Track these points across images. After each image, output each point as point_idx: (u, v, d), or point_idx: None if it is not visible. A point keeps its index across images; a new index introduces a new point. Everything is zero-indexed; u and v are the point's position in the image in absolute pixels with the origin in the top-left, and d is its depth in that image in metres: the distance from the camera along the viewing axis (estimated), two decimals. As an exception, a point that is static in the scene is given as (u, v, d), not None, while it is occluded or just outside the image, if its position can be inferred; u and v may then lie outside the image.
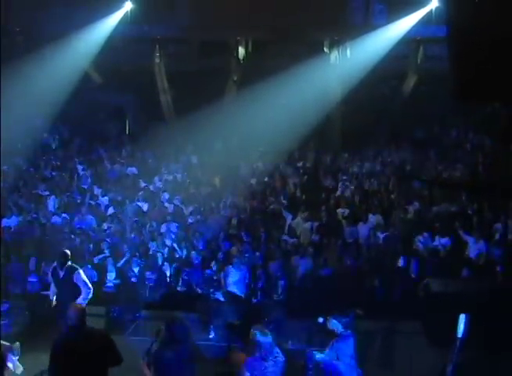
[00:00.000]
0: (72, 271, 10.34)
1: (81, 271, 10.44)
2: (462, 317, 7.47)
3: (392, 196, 16.52)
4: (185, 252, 13.73)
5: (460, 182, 16.71)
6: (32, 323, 11.40)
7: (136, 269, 12.95)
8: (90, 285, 10.37)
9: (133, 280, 12.80)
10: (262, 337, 6.93)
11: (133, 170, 18.85)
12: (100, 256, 13.46)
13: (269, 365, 6.92)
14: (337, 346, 7.33)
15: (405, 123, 21.19)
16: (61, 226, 14.90)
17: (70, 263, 10.41)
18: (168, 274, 13.00)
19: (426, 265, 12.40)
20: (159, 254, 13.33)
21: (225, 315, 11.11)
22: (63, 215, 15.49)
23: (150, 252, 13.57)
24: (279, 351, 7.14)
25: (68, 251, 10.58)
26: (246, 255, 13.18)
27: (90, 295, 10.25)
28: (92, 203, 16.26)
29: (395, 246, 13.54)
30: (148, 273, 12.79)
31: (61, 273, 10.43)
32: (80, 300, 9.96)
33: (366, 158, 19.67)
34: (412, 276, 12.37)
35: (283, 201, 16.49)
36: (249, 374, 6.87)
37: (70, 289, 10.23)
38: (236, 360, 7.21)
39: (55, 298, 10.56)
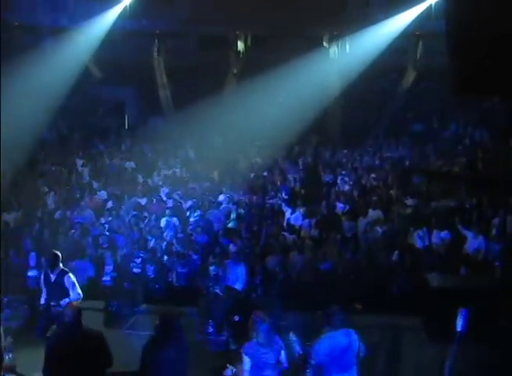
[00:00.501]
0: (63, 274, 9.95)
1: (70, 274, 10.04)
2: (461, 312, 7.48)
3: (391, 191, 16.52)
4: (183, 247, 13.73)
5: (464, 176, 16.69)
6: (31, 317, 11.39)
7: (138, 260, 12.95)
8: (79, 290, 9.91)
9: (135, 270, 12.80)
10: (261, 323, 6.99)
11: (131, 164, 18.85)
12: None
13: (266, 351, 6.97)
14: (321, 342, 7.33)
15: (404, 118, 21.23)
16: (60, 221, 14.90)
17: (61, 266, 10.04)
18: (167, 267, 13.03)
19: (424, 260, 12.42)
20: (158, 248, 13.37)
21: (224, 310, 11.11)
22: (62, 209, 15.48)
23: (149, 245, 13.61)
24: (277, 338, 7.17)
25: (59, 253, 10.18)
26: (246, 250, 13.21)
27: (79, 299, 9.75)
28: (91, 197, 16.25)
29: (394, 241, 13.55)
30: (148, 266, 12.83)
31: (52, 277, 10.02)
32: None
33: (365, 153, 19.68)
34: (410, 271, 12.40)
35: (283, 196, 16.49)
36: (248, 359, 6.94)
37: (61, 292, 9.84)
38: None
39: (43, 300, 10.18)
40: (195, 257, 13.03)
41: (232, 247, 13.02)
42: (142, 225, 14.54)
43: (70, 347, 6.66)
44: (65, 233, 13.96)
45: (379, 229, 14.14)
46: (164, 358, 6.96)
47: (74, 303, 7.37)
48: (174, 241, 13.79)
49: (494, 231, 13.21)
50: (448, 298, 10.08)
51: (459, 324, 7.50)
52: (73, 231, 14.11)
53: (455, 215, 14.16)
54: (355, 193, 16.54)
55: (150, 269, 12.85)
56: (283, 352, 7.15)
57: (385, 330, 10.79)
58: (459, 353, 7.51)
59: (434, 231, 13.59)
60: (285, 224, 14.97)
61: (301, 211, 15.43)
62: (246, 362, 6.98)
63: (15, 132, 17.13)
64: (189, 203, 16.17)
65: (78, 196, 16.33)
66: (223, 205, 15.95)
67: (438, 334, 9.69)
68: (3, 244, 13.06)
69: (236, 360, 7.34)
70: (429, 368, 9.31)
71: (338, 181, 17.39)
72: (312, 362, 7.17)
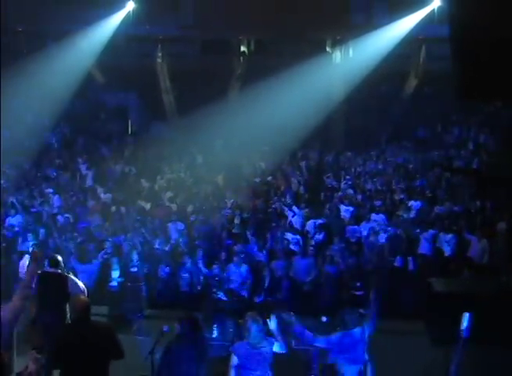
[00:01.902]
0: None
1: None
2: (465, 316, 7.47)
3: (395, 195, 16.52)
4: (188, 251, 13.75)
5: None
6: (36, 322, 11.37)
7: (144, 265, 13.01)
8: None
9: (141, 275, 12.81)
10: (253, 324, 6.99)
11: (134, 169, 18.88)
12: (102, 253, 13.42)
13: (256, 353, 6.97)
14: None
15: (407, 122, 21.21)
16: (64, 225, 14.92)
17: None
18: (171, 272, 13.05)
19: (428, 264, 12.43)
20: (163, 252, 13.43)
21: (228, 314, 11.12)
22: (66, 214, 15.51)
23: (154, 250, 13.66)
24: (271, 341, 7.15)
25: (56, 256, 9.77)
26: (249, 254, 13.24)
27: None
28: (95, 202, 16.27)
29: (398, 245, 13.56)
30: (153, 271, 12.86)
31: None
32: None
33: (369, 157, 19.69)
34: (414, 275, 12.42)
35: (287, 200, 16.48)
36: (236, 358, 6.95)
37: None
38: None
39: None
40: (199, 261, 13.05)
41: (236, 252, 13.05)
42: (145, 230, 14.57)
43: (80, 340, 6.65)
44: (70, 238, 13.98)
45: (382, 234, 14.15)
46: (182, 360, 6.98)
47: (83, 297, 7.31)
48: (179, 245, 13.83)
49: (499, 235, 13.20)
50: (452, 303, 10.08)
51: (464, 329, 7.48)
52: (77, 235, 14.15)
53: (459, 219, 14.17)
54: (359, 198, 16.55)
55: (155, 274, 12.91)
56: (276, 344, 7.13)
57: (389, 335, 10.78)
58: (463, 358, 7.49)
59: (439, 235, 13.62)
60: (288, 228, 14.98)
61: (304, 215, 15.46)
62: (234, 361, 6.99)
63: (19, 136, 17.20)
64: (193, 207, 16.20)
65: (82, 200, 16.36)
66: (227, 210, 15.97)
67: (441, 338, 9.69)
68: (7, 249, 13.11)
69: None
70: (433, 373, 9.29)
71: (342, 185, 17.39)
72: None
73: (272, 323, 7.09)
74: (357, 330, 7.58)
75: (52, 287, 9.27)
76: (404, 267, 12.86)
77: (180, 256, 13.50)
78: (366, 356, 7.67)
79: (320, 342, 7.36)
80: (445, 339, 8.60)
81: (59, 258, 9.69)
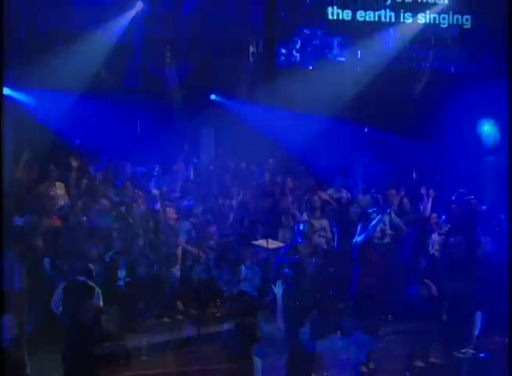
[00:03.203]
0: None
1: None
2: (478, 315, 7.50)
3: (404, 196, 16.48)
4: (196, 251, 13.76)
5: None
6: (47, 322, 11.40)
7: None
8: None
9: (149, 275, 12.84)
10: (265, 322, 7.06)
11: (142, 170, 18.90)
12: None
13: (273, 352, 7.02)
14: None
15: (415, 122, 21.20)
16: (74, 225, 14.93)
17: None
18: (180, 273, 13.08)
19: (439, 265, 12.42)
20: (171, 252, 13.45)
21: (238, 313, 11.15)
22: (77, 214, 15.51)
23: (162, 250, 13.68)
24: (283, 339, 7.20)
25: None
26: (257, 254, 13.25)
27: None
28: (105, 202, 16.27)
29: (407, 246, 13.54)
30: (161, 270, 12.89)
31: None
32: None
33: (377, 158, 19.69)
34: (424, 275, 12.40)
35: (295, 201, 16.47)
36: (258, 359, 7.01)
37: None
38: None
39: None
40: (208, 261, 13.09)
41: (247, 253, 13.08)
42: (154, 230, 14.60)
43: (88, 346, 6.68)
44: (79, 238, 14.00)
45: (391, 235, 14.14)
46: None
47: (94, 303, 7.35)
48: (187, 246, 13.86)
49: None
50: (463, 302, 10.08)
51: (476, 328, 7.50)
52: (86, 236, 14.17)
53: (469, 218, 14.16)
54: (367, 198, 16.53)
55: (164, 273, 12.93)
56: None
57: (400, 335, 10.79)
58: (476, 356, 7.52)
59: (450, 235, 13.59)
60: (297, 229, 14.97)
61: (313, 215, 15.46)
62: (257, 363, 7.04)
63: (27, 137, 17.22)
64: (201, 207, 16.21)
65: (92, 200, 16.36)
66: (235, 210, 15.98)
67: (453, 337, 9.69)
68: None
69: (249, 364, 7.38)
70: (446, 372, 9.30)
71: (350, 185, 17.38)
72: None
73: None
74: (359, 335, 7.61)
75: (71, 295, 9.40)
76: (414, 267, 12.83)
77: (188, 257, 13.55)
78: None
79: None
80: (456, 338, 8.64)
81: (91, 267, 9.85)
